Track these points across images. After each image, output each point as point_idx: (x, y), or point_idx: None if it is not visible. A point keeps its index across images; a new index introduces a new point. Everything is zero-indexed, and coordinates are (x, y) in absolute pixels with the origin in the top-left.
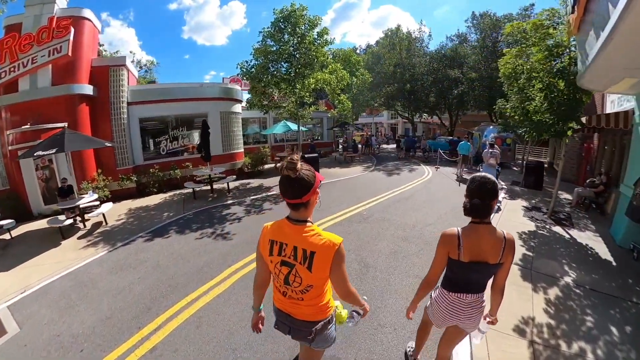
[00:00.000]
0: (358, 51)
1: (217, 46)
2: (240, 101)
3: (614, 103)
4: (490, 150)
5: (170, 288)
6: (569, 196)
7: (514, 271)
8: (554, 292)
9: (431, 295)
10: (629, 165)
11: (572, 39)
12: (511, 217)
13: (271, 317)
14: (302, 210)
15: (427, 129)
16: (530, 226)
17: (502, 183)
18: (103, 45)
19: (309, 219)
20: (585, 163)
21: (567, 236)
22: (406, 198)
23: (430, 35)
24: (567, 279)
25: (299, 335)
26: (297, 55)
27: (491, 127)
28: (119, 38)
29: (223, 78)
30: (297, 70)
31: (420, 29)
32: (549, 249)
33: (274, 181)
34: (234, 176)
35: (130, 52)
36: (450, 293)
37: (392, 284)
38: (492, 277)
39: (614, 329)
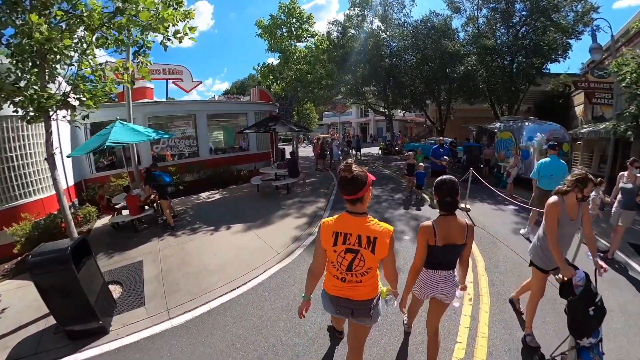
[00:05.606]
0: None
1: (184, 49)
2: None
3: None
4: None
5: None
6: None
7: None
8: None
9: None
10: None
11: None
12: None
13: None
14: (358, 205)
15: (404, 128)
16: None
17: None
18: None
19: (366, 211)
20: None
21: None
22: None
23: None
24: None
25: (361, 314)
26: None
27: (531, 124)
28: None
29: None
30: None
31: None
32: None
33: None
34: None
35: None
36: (429, 270)
37: None
38: (459, 255)
39: None
